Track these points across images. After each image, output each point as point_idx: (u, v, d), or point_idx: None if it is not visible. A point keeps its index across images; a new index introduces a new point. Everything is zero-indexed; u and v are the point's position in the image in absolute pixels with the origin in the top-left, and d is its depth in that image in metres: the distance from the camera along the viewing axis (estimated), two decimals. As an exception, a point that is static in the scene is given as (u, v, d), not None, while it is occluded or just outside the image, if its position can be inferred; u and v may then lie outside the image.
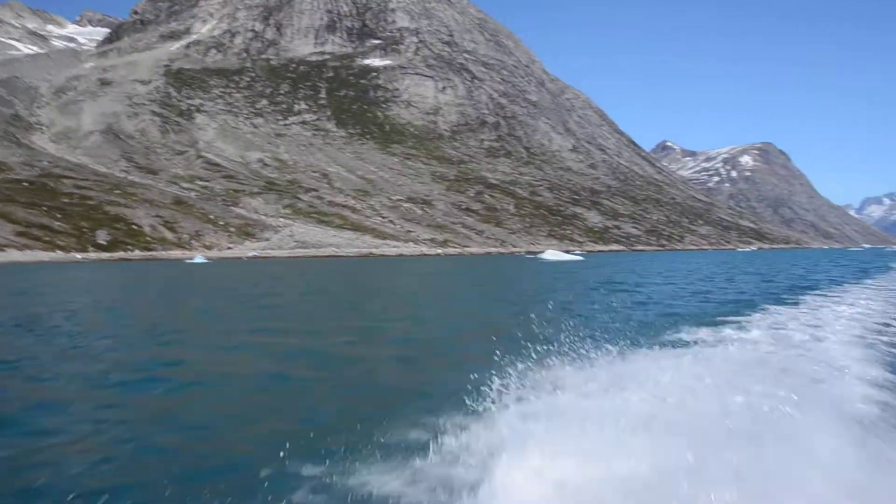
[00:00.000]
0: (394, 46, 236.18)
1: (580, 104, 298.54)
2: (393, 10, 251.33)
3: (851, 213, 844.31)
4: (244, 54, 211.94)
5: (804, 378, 7.68)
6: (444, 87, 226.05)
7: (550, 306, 18.98)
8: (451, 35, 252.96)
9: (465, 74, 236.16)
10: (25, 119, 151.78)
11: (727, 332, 12.30)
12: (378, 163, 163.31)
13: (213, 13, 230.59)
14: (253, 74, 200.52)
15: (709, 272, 44.58)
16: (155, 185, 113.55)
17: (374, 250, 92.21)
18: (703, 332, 12.08)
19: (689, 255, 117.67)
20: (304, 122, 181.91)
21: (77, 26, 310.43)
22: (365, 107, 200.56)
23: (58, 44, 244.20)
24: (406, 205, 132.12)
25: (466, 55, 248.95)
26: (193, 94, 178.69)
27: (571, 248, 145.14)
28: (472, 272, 51.02)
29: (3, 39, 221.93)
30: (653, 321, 14.62)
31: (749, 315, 15.36)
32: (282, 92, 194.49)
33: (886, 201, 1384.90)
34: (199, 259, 69.69)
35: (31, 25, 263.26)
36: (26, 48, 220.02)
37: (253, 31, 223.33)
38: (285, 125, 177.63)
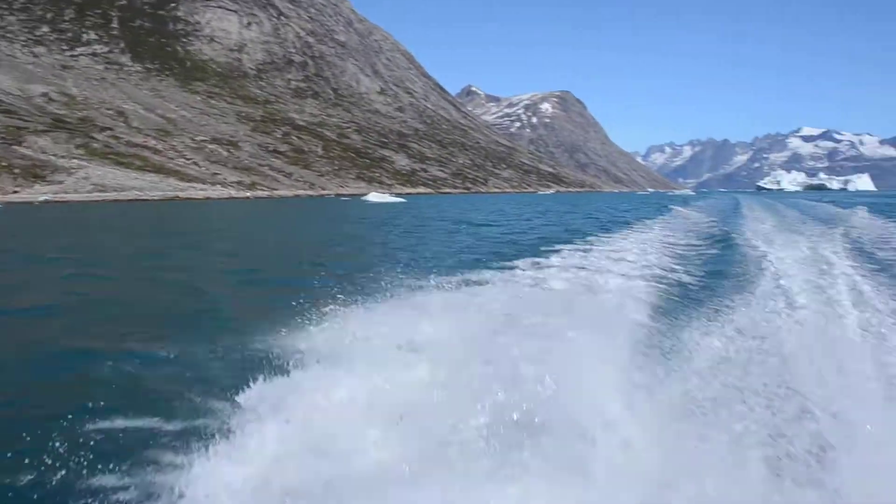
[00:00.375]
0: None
1: (388, 46, 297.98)
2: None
3: (638, 159, 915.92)
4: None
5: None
6: (248, 23, 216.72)
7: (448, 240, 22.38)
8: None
9: (270, 10, 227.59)
10: None
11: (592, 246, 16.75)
12: (179, 101, 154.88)
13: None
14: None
15: (534, 211, 50.50)
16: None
17: (179, 193, 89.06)
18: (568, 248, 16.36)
19: (498, 197, 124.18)
20: (94, 55, 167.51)
21: None
22: (163, 40, 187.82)
23: None
24: (211, 146, 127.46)
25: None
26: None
27: (381, 189, 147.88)
28: (316, 216, 50.08)
29: None
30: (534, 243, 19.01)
31: (594, 238, 19.96)
32: (66, 19, 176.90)
33: (668, 150, 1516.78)
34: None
35: None
36: None
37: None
38: (72, 56, 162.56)
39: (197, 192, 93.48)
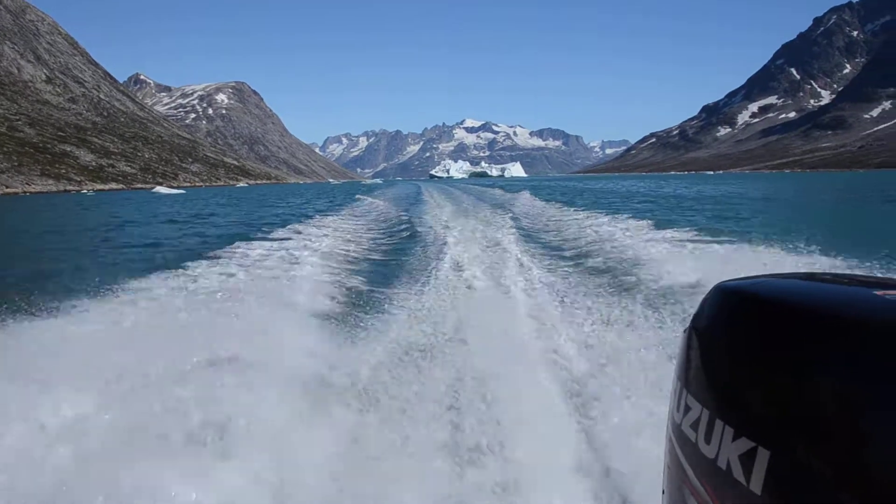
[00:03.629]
0: None
1: (47, 28, 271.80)
2: None
3: (317, 150, 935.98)
4: None
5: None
6: None
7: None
8: None
9: None
10: None
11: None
12: None
13: None
14: None
15: (280, 200, 54.83)
16: None
17: None
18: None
19: (210, 191, 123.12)
20: None
21: None
22: None
23: None
24: None
25: None
26: None
27: (70, 187, 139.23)
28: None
29: None
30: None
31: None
32: None
33: (345, 140, 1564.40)
34: None
35: None
36: None
37: None
38: None
39: None
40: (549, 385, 4.82)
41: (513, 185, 70.23)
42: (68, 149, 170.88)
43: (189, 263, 10.59)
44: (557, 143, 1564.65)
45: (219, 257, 11.83)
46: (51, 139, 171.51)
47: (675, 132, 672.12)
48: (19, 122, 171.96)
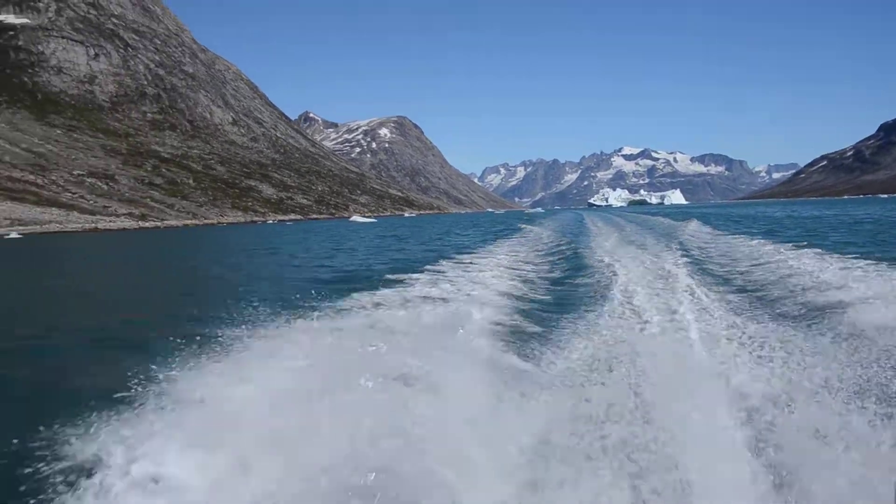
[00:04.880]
0: (30, 3, 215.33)
1: (232, 76, 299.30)
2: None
3: (475, 181, 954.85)
4: None
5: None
6: (96, 55, 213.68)
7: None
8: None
9: (116, 41, 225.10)
10: None
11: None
12: (41, 135, 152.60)
13: None
14: None
15: (454, 226, 61.23)
16: None
17: (98, 225, 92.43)
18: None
19: (392, 220, 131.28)
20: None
21: None
22: (8, 71, 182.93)
23: None
24: (90, 180, 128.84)
25: (115, 20, 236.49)
26: None
27: (255, 218, 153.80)
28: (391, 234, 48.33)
29: None
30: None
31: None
32: None
33: (502, 170, 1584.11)
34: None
35: None
36: None
37: None
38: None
39: (108, 223, 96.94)
40: (736, 437, 4.49)
41: (678, 213, 68.68)
42: (253, 183, 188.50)
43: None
44: (720, 168, 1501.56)
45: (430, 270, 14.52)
46: (238, 175, 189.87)
47: (849, 153, 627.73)
48: (212, 161, 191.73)
